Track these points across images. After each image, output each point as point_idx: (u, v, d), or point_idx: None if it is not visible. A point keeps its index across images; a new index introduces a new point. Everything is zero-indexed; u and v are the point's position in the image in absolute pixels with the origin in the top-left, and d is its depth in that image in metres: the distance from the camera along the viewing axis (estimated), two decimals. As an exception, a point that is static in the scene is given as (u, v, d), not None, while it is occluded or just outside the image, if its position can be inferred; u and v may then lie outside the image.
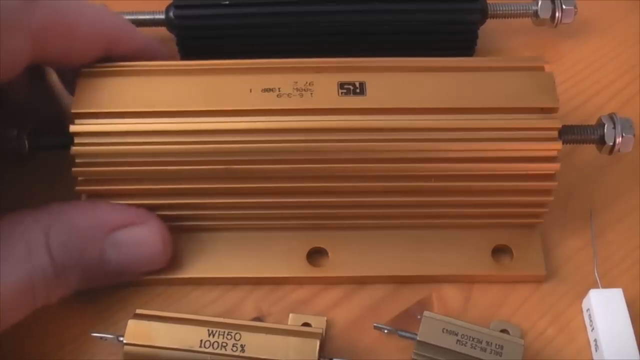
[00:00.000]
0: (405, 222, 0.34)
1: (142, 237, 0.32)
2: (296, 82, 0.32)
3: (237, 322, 0.30)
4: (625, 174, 0.37)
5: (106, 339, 0.31)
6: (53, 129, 0.33)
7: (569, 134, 0.34)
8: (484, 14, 0.40)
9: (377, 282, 0.34)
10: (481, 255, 0.34)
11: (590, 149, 0.37)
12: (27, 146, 0.33)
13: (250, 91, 0.32)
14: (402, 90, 0.32)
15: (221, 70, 0.33)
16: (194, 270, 0.34)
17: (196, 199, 0.33)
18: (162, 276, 0.33)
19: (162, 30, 0.40)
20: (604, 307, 0.32)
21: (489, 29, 0.41)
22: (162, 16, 0.40)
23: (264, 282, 0.34)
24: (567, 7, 0.40)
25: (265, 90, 0.32)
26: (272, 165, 0.32)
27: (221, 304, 0.34)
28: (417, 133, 0.31)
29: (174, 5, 0.39)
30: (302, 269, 0.34)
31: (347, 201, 0.33)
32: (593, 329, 0.32)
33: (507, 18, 0.41)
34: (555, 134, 0.32)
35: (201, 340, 0.30)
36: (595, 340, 0.32)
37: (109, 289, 0.33)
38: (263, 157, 0.32)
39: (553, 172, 0.32)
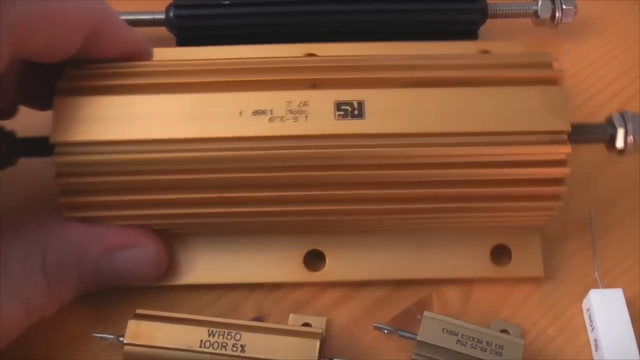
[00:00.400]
0: (403, 224, 0.34)
1: (137, 258, 0.32)
2: (289, 102, 0.30)
3: (237, 322, 0.30)
4: (626, 174, 0.37)
5: (106, 339, 0.31)
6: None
7: (576, 134, 0.31)
8: (484, 14, 0.40)
9: (375, 286, 0.34)
10: (480, 256, 0.34)
11: (589, 150, 0.37)
12: (4, 153, 0.32)
13: (240, 114, 0.30)
14: (402, 111, 0.30)
15: (210, 85, 0.30)
16: (189, 276, 0.34)
17: (187, 219, 0.32)
18: (156, 284, 0.33)
19: (162, 30, 0.40)
20: (604, 307, 0.32)
21: (489, 29, 0.41)
22: (162, 16, 0.40)
23: (261, 288, 0.34)
24: (567, 7, 0.40)
25: (257, 112, 0.30)
26: (266, 193, 0.31)
27: (221, 304, 0.34)
28: (417, 159, 0.30)
29: (174, 5, 0.39)
30: (299, 274, 0.34)
31: (344, 210, 0.32)
32: (593, 329, 0.32)
33: (507, 18, 0.41)
34: (564, 158, 0.30)
35: (201, 340, 0.30)
36: (595, 340, 0.32)
37: (108, 290, 0.33)
38: (256, 186, 0.30)
39: (559, 194, 0.31)
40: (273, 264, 0.34)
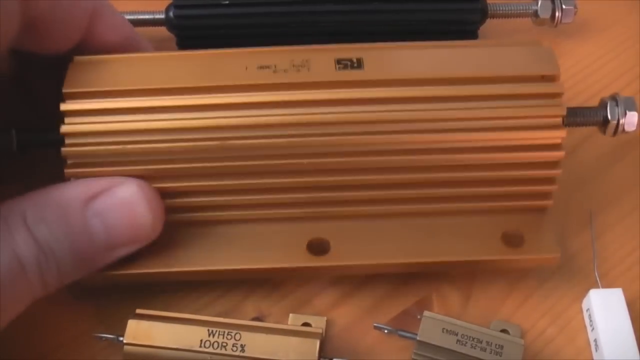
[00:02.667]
0: (409, 209, 0.33)
1: (123, 198, 0.31)
2: (292, 60, 0.32)
3: (237, 322, 0.30)
4: (626, 174, 0.37)
5: (106, 339, 0.31)
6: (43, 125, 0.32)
7: (572, 116, 0.33)
8: (484, 14, 0.40)
9: (382, 272, 0.33)
10: (491, 241, 0.33)
11: (589, 151, 0.37)
12: (15, 144, 0.32)
13: (246, 69, 0.32)
14: (400, 63, 0.32)
15: (216, 54, 0.33)
16: (191, 263, 0.33)
17: (191, 181, 0.32)
18: (157, 270, 0.33)
19: (162, 30, 0.40)
20: (604, 307, 0.32)
21: (489, 29, 0.41)
22: (162, 16, 0.40)
23: (264, 274, 0.33)
24: (567, 7, 0.40)
25: (261, 67, 0.32)
26: (269, 140, 0.31)
27: (221, 304, 0.34)
28: (417, 104, 0.31)
29: (174, 5, 0.39)
30: (302, 260, 0.33)
31: (349, 184, 0.32)
32: (593, 329, 0.32)
33: (507, 18, 0.41)
34: (559, 121, 0.31)
35: (201, 340, 0.30)
36: (595, 340, 0.32)
37: (109, 289, 0.33)
38: (259, 131, 0.31)
39: (557, 159, 0.32)
40: (276, 252, 0.33)
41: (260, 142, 0.31)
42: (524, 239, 0.33)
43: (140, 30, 0.41)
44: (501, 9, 0.41)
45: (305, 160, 0.32)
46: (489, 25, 0.40)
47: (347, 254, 0.33)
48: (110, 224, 0.30)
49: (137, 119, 0.31)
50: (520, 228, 0.34)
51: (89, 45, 0.33)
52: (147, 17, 0.40)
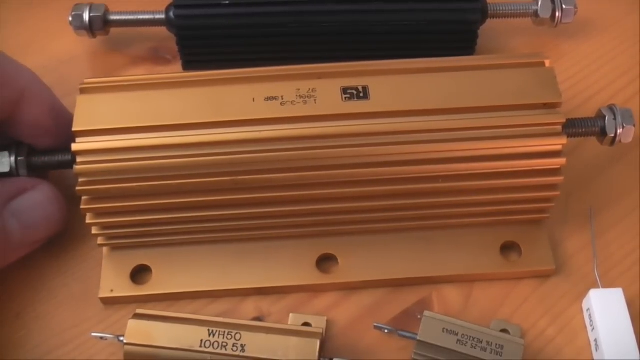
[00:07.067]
0: (414, 223, 0.34)
1: (38, 200, 0.32)
2: (299, 89, 0.32)
3: (238, 322, 0.30)
4: (625, 174, 0.37)
5: (106, 339, 0.31)
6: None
7: (571, 127, 0.34)
8: (484, 14, 0.40)
9: (388, 286, 0.34)
10: (490, 253, 0.34)
11: (589, 150, 0.37)
12: (26, 165, 0.33)
13: (254, 100, 0.32)
14: (405, 92, 0.32)
15: (222, 81, 0.32)
16: (202, 283, 0.34)
17: (203, 212, 0.33)
18: (168, 291, 0.33)
19: (162, 30, 0.40)
20: (604, 307, 0.32)
21: (489, 29, 0.41)
22: (162, 16, 0.40)
23: (275, 292, 0.34)
24: (567, 7, 0.40)
25: (269, 98, 0.31)
26: (279, 174, 0.31)
27: (221, 304, 0.34)
28: (422, 135, 0.31)
29: (174, 5, 0.39)
30: (312, 277, 0.34)
31: (356, 206, 0.33)
32: (593, 329, 0.32)
33: (507, 18, 0.41)
34: (559, 128, 0.32)
35: (201, 340, 0.30)
36: (595, 340, 0.32)
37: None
38: (270, 166, 0.31)
39: (559, 166, 0.32)
40: (286, 269, 0.34)
41: (271, 176, 0.32)
42: (522, 251, 0.34)
43: (140, 30, 0.41)
44: (501, 9, 0.41)
45: (313, 192, 0.32)
46: (489, 25, 0.40)
47: (355, 269, 0.34)
48: (25, 223, 0.32)
49: (147, 156, 0.31)
50: (518, 239, 0.35)
51: (13, 120, 0.33)
52: (147, 17, 0.40)
